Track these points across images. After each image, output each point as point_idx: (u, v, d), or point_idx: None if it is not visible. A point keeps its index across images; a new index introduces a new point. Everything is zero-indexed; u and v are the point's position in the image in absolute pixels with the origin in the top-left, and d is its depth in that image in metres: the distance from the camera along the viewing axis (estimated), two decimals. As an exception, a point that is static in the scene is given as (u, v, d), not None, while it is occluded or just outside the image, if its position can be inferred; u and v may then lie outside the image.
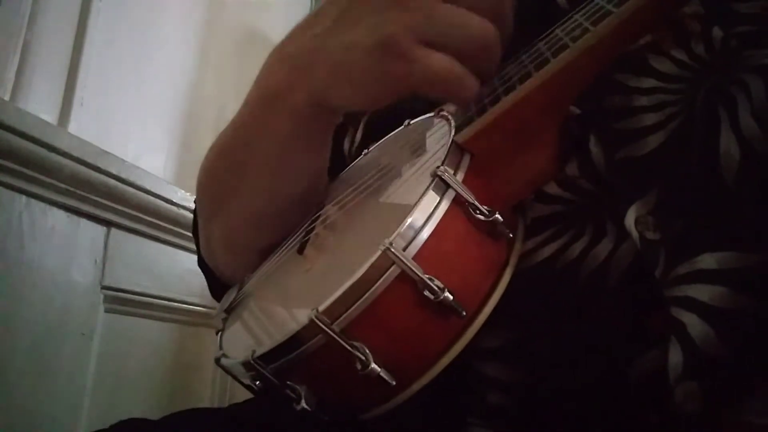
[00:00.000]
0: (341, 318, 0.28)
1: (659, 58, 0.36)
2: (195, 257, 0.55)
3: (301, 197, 0.44)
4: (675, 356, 0.29)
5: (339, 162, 0.50)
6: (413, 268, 0.28)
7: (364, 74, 0.34)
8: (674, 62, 0.35)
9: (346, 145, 0.54)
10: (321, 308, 0.28)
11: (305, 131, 0.40)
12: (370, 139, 0.50)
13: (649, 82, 0.35)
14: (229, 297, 0.44)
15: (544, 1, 0.43)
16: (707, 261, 0.29)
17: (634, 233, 0.32)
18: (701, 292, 0.29)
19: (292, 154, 0.41)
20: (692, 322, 0.28)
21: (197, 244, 0.53)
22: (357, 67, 0.34)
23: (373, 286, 0.28)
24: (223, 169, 0.47)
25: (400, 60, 0.33)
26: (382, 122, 0.49)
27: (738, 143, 0.31)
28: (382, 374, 0.29)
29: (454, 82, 0.33)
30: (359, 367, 0.28)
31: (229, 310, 0.43)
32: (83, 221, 0.82)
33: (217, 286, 0.52)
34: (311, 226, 0.42)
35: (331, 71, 0.36)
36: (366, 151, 0.48)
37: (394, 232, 0.28)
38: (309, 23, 0.40)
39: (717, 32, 0.35)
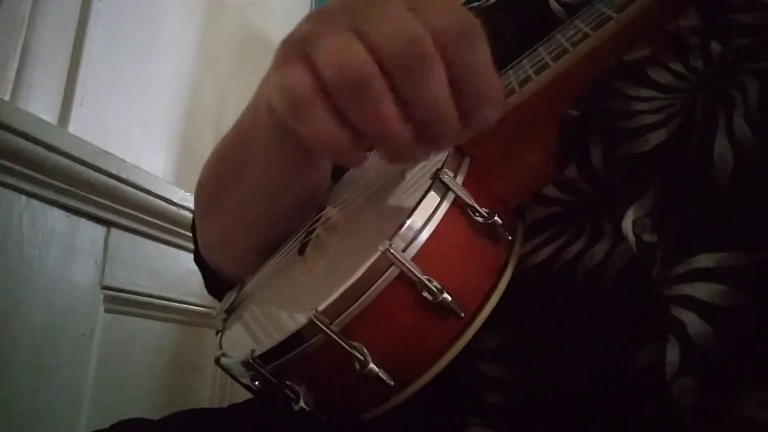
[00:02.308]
0: (340, 318, 0.29)
1: (657, 70, 0.36)
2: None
3: (300, 201, 0.44)
4: (672, 353, 0.29)
5: (341, 164, 0.50)
6: (412, 269, 0.28)
7: (266, 81, 0.32)
8: (672, 74, 0.35)
9: None
10: (320, 308, 0.28)
11: (281, 141, 0.39)
12: None
13: (648, 93, 0.35)
14: (229, 298, 0.44)
15: (540, 9, 0.43)
16: (704, 260, 0.29)
17: (631, 237, 0.32)
18: (700, 291, 0.29)
19: (288, 157, 0.41)
20: (691, 320, 0.29)
21: (195, 240, 0.53)
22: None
23: (372, 286, 0.28)
24: (224, 169, 0.47)
25: (280, 67, 0.29)
26: None
27: (731, 147, 0.31)
28: (380, 374, 0.29)
29: (296, 105, 0.28)
30: (358, 367, 0.29)
31: (230, 311, 0.43)
32: (83, 221, 0.82)
33: (214, 282, 0.52)
34: (312, 228, 0.42)
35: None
36: (367, 153, 0.48)
37: (393, 233, 0.29)
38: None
39: (715, 46, 0.35)
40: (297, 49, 0.28)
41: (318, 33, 0.28)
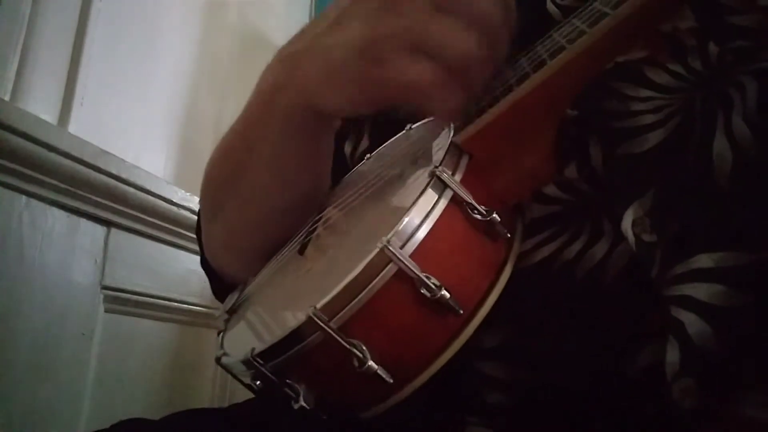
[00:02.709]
0: (339, 315, 0.29)
1: (656, 71, 0.36)
2: (195, 257, 0.56)
3: (302, 200, 0.44)
4: (672, 354, 0.29)
5: (341, 166, 0.50)
6: (410, 266, 0.28)
7: (345, 76, 0.34)
8: (671, 74, 0.35)
9: (348, 150, 0.54)
10: (318, 305, 0.28)
11: (298, 134, 0.40)
12: (376, 145, 0.50)
13: (646, 93, 0.35)
14: (232, 298, 0.44)
15: (537, 10, 0.43)
16: (704, 260, 0.29)
17: (630, 236, 0.32)
18: (699, 291, 0.29)
19: (288, 157, 0.41)
20: (690, 321, 0.28)
21: (200, 245, 0.54)
22: (338, 68, 0.34)
23: (370, 283, 0.28)
24: (225, 169, 0.47)
25: (380, 65, 0.32)
26: (387, 128, 0.49)
27: (730, 146, 0.31)
28: (379, 372, 0.29)
29: (433, 94, 0.32)
30: (357, 364, 0.29)
31: (231, 311, 0.43)
32: (83, 221, 0.82)
33: (220, 286, 0.53)
34: (312, 228, 0.43)
35: (316, 72, 0.36)
36: (368, 156, 0.49)
37: (391, 230, 0.29)
38: (313, 23, 0.40)
39: (713, 48, 0.35)
40: (395, 44, 0.32)
41: (416, 26, 0.32)
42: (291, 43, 0.41)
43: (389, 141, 0.48)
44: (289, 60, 0.39)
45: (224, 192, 0.47)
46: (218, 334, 0.40)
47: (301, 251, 0.41)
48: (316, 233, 0.42)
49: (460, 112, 0.34)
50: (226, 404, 0.53)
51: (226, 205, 0.47)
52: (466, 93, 0.33)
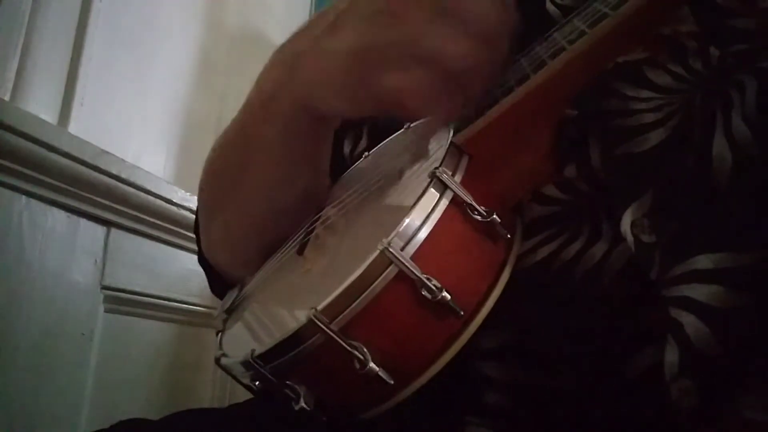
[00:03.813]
0: (339, 317, 0.29)
1: (656, 71, 0.36)
2: (195, 257, 0.56)
3: (300, 199, 0.44)
4: (671, 355, 0.29)
5: (339, 165, 0.50)
6: (411, 268, 0.28)
7: (342, 80, 0.33)
8: (671, 75, 0.35)
9: (347, 149, 0.54)
10: (319, 307, 0.28)
11: (297, 134, 0.40)
12: (375, 144, 0.50)
13: (646, 94, 0.35)
14: (230, 298, 0.44)
15: (537, 10, 0.43)
16: (703, 261, 0.29)
17: (629, 237, 0.32)
18: (698, 292, 0.29)
19: (287, 157, 0.41)
20: (689, 322, 0.29)
21: (198, 242, 0.54)
22: (336, 72, 0.34)
23: (371, 285, 0.28)
24: (223, 168, 0.47)
25: (377, 70, 0.32)
26: (386, 127, 0.49)
27: (730, 146, 0.31)
28: (380, 373, 0.29)
29: (430, 100, 0.32)
30: (357, 366, 0.29)
31: (230, 311, 0.43)
32: (83, 221, 0.82)
33: (217, 283, 0.53)
34: (311, 228, 0.42)
35: (314, 75, 0.35)
36: (366, 154, 0.49)
37: (392, 232, 0.29)
38: (311, 24, 0.40)
39: (714, 51, 0.35)
40: (393, 50, 0.31)
41: (414, 32, 0.31)
42: (291, 41, 0.41)
43: (388, 139, 0.48)
44: (289, 60, 0.39)
45: (223, 190, 0.47)
46: (217, 334, 0.40)
47: (300, 251, 0.41)
48: (314, 233, 0.42)
49: (458, 117, 0.34)
50: (226, 404, 0.53)
51: (225, 204, 0.47)
52: (464, 99, 0.33)
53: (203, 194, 0.51)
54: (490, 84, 0.36)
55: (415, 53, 0.31)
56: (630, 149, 0.34)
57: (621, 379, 0.33)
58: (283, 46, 0.41)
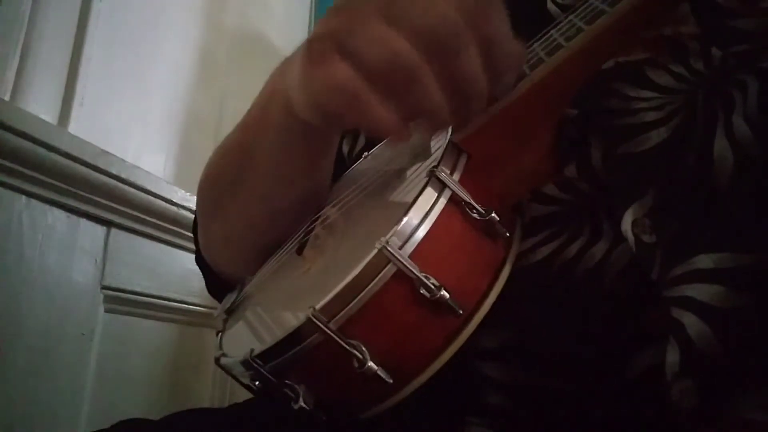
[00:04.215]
0: (338, 316, 0.29)
1: (658, 72, 0.36)
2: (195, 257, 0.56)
3: (302, 201, 0.44)
4: (672, 355, 0.29)
5: (338, 164, 0.50)
6: (409, 267, 0.28)
7: (304, 84, 0.31)
8: (672, 75, 0.35)
9: (345, 148, 0.54)
10: (318, 306, 0.28)
11: (289, 140, 0.39)
12: (373, 144, 0.50)
13: (648, 94, 0.35)
14: (230, 298, 0.44)
15: (536, 9, 0.43)
16: (704, 261, 0.29)
17: (630, 237, 0.32)
18: (699, 292, 0.29)
19: (287, 162, 0.41)
20: (691, 322, 0.28)
21: (196, 241, 0.54)
22: (300, 75, 0.32)
23: (369, 284, 0.28)
24: (225, 169, 0.47)
25: (318, 66, 0.30)
26: None
27: (731, 146, 0.31)
28: (379, 372, 0.29)
29: (349, 100, 0.29)
30: (356, 365, 0.28)
31: (230, 312, 0.43)
32: (83, 221, 0.82)
33: (215, 283, 0.53)
34: (310, 227, 0.42)
35: (292, 81, 0.34)
36: (366, 154, 0.49)
37: (390, 230, 0.29)
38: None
39: (715, 52, 0.35)
40: (331, 45, 0.29)
41: (350, 27, 0.29)
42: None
43: (387, 139, 0.48)
44: (282, 66, 0.39)
45: (224, 192, 0.47)
46: (217, 334, 0.40)
47: (300, 251, 0.41)
48: (314, 233, 0.42)
49: (394, 126, 0.29)
50: (226, 404, 0.53)
51: (225, 205, 0.47)
52: (402, 106, 0.29)
53: (203, 194, 0.51)
54: (452, 94, 0.30)
55: (346, 49, 0.29)
56: (631, 149, 0.34)
57: (621, 379, 0.33)
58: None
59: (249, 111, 0.44)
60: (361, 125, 0.31)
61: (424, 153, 0.38)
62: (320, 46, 0.29)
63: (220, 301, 0.49)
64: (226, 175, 0.47)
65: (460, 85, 0.29)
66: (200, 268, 0.54)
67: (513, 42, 0.30)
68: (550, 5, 0.43)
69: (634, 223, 0.32)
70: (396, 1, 0.29)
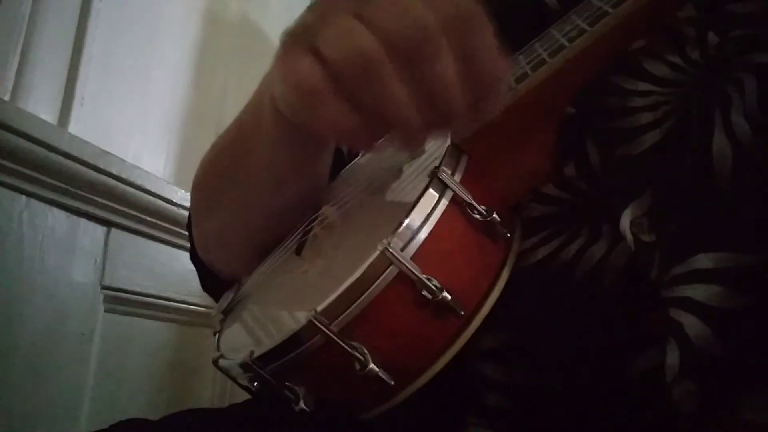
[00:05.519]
0: (340, 318, 0.28)
1: (654, 62, 0.35)
2: (196, 257, 0.56)
3: (294, 202, 0.44)
4: (672, 356, 0.29)
5: (336, 161, 0.50)
6: (411, 268, 0.28)
7: (276, 75, 0.31)
8: (669, 66, 0.35)
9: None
10: (319, 309, 0.28)
11: (280, 140, 0.39)
12: None
13: (645, 86, 0.35)
14: (227, 298, 0.44)
15: (535, 4, 0.43)
16: (703, 261, 0.29)
17: (629, 236, 0.32)
18: (698, 292, 0.29)
19: (282, 161, 0.41)
20: (690, 323, 0.28)
21: (191, 239, 0.53)
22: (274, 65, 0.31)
23: (371, 286, 0.28)
24: (221, 167, 0.47)
25: (286, 60, 0.29)
26: None
27: (730, 144, 0.31)
28: (380, 374, 0.29)
29: (304, 95, 0.28)
30: (358, 367, 0.28)
31: (227, 312, 0.43)
32: (83, 221, 0.82)
33: (209, 281, 0.52)
34: (309, 227, 0.42)
35: (275, 79, 0.33)
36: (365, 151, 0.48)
37: (391, 232, 0.29)
38: None
39: (712, 38, 0.35)
40: (300, 40, 0.28)
41: (321, 22, 0.28)
42: None
43: (387, 136, 0.48)
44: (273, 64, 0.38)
45: (219, 191, 0.47)
46: (214, 334, 0.40)
47: (298, 251, 0.41)
48: (313, 233, 0.41)
49: (349, 129, 0.28)
50: (225, 404, 0.53)
51: (221, 204, 0.46)
52: (364, 109, 0.28)
53: (197, 192, 0.50)
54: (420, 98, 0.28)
55: (310, 44, 0.28)
56: (628, 151, 0.34)
57: (621, 379, 0.33)
58: None
59: (243, 110, 0.44)
60: (317, 124, 0.29)
61: (424, 153, 0.38)
62: (291, 41, 0.29)
63: (215, 298, 0.49)
64: (222, 173, 0.46)
65: (430, 94, 0.27)
66: (195, 265, 0.54)
67: (496, 56, 0.28)
68: (551, 0, 0.43)
69: (632, 223, 0.32)
70: (373, 0, 0.28)
